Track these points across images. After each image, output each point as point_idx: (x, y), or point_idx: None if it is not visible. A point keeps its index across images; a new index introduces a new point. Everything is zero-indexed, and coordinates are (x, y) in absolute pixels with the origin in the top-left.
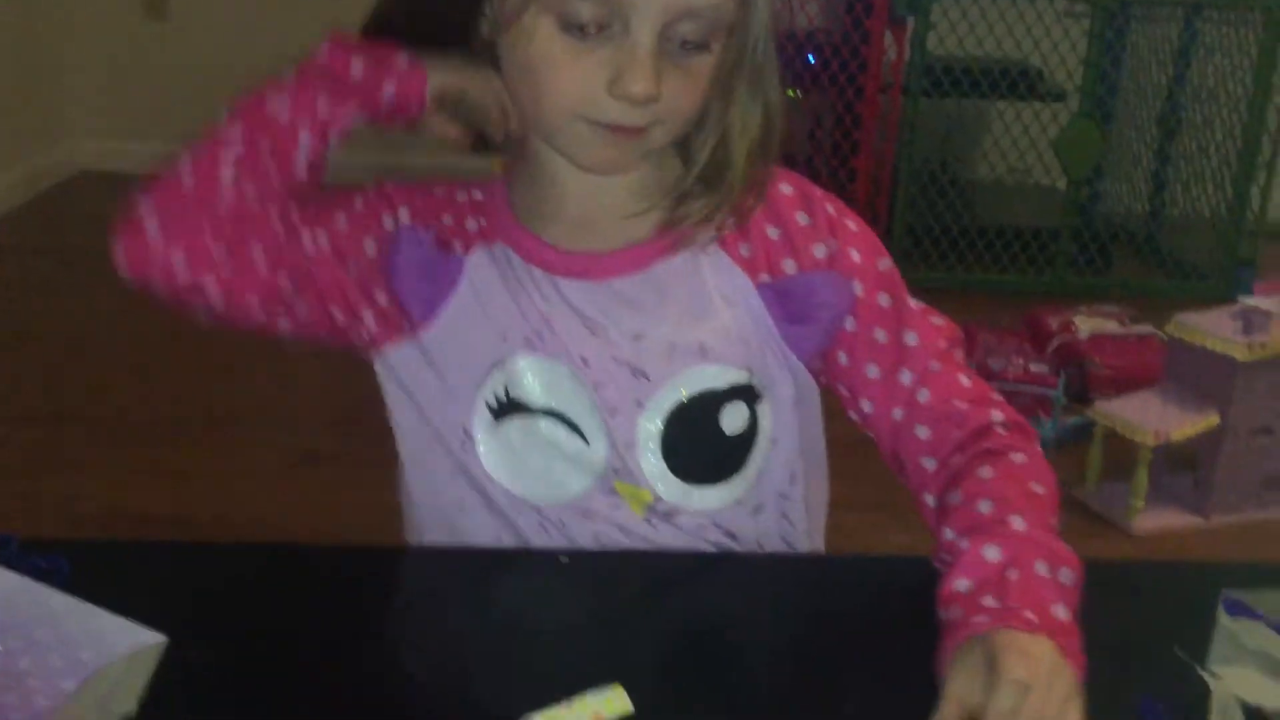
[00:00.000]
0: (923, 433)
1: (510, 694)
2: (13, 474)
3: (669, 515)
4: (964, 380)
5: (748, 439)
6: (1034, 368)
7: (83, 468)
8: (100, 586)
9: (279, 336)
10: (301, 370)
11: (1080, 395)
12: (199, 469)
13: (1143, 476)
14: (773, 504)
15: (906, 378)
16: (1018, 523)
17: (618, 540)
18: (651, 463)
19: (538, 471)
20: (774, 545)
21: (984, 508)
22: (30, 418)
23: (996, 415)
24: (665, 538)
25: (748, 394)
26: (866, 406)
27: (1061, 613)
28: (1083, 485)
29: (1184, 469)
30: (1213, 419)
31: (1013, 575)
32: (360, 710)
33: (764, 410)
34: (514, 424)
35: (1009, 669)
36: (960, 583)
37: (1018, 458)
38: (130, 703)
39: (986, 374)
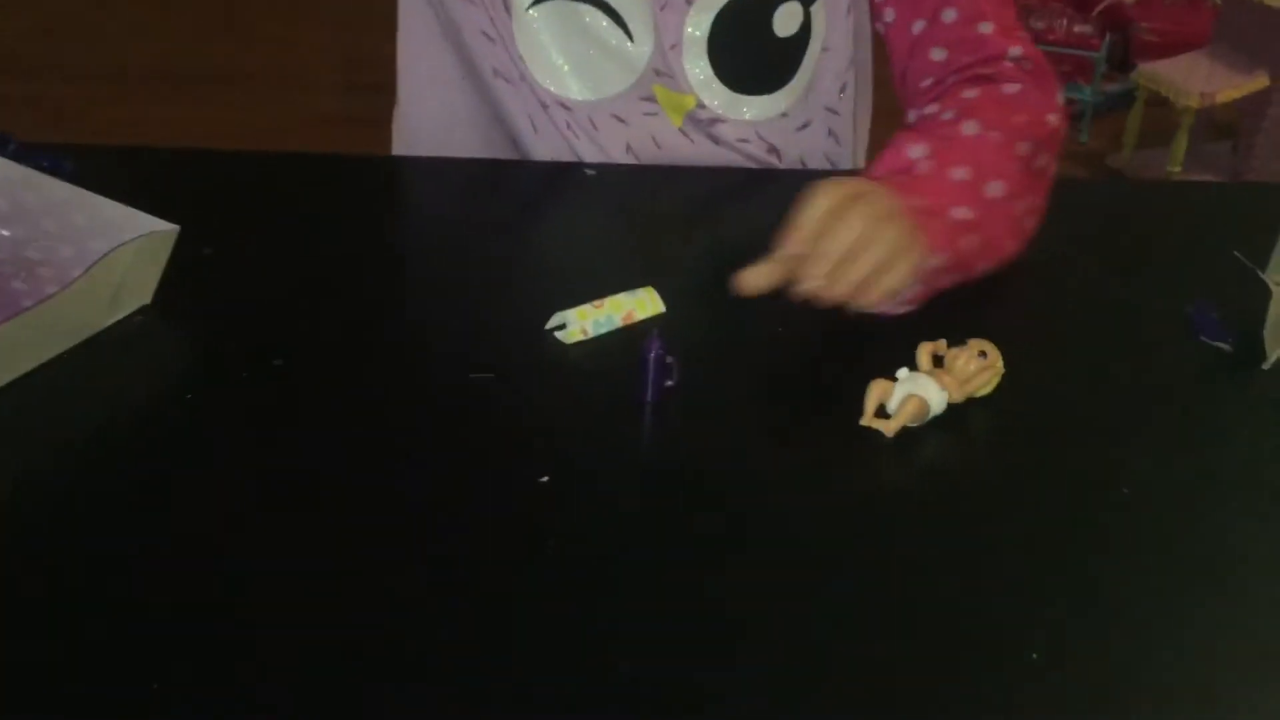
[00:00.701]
0: (937, 54)
1: (540, 295)
2: (14, 131)
3: (709, 125)
4: (991, 4)
5: (800, 43)
6: (1078, 29)
7: (84, 121)
8: (106, 189)
9: None
10: (306, 32)
11: (1123, 62)
12: (201, 125)
13: (1182, 140)
14: (820, 120)
15: None
16: (969, 128)
17: (650, 151)
18: (698, 67)
19: (574, 64)
20: (818, 164)
21: (946, 115)
22: (29, 71)
23: (1015, 49)
24: (701, 151)
25: None
26: (889, 15)
27: (960, 213)
28: (1119, 152)
29: (1223, 137)
30: (1262, 80)
31: (924, 167)
32: (386, 309)
33: (818, 12)
34: (551, 9)
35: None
36: (873, 172)
37: (1011, 87)
38: (145, 295)
39: None
